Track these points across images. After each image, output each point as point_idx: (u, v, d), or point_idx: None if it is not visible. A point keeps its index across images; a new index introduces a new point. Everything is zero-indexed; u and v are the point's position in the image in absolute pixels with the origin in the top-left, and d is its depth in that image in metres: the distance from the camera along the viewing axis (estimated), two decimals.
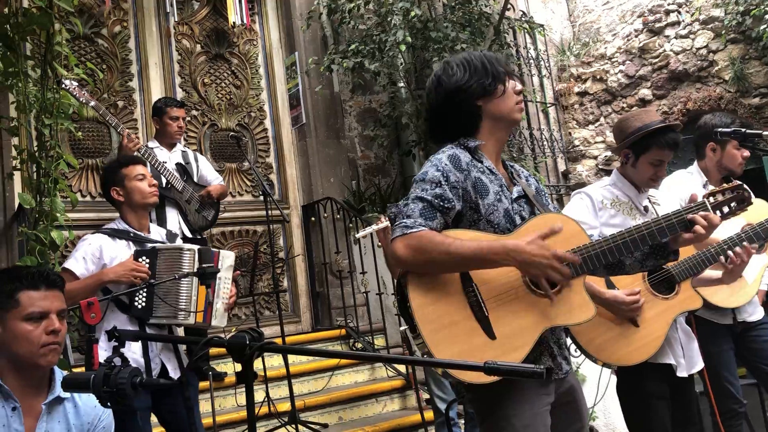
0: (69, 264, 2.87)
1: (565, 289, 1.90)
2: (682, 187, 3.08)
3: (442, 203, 1.85)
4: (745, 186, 2.14)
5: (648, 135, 2.58)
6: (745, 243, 2.63)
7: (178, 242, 3.09)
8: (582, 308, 1.92)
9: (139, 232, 3.02)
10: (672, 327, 2.56)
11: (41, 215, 3.43)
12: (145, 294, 2.81)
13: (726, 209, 2.09)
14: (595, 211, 2.64)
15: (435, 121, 2.08)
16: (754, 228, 2.73)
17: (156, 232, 3.14)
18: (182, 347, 3.00)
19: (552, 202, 2.22)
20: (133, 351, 2.77)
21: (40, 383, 2.00)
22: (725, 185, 2.12)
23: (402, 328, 1.86)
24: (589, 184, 7.49)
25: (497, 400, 1.84)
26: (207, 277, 2.71)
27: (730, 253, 2.63)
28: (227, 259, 3.03)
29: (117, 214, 4.99)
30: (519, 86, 2.02)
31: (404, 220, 1.84)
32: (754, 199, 2.50)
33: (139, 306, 2.80)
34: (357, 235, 5.12)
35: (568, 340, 2.80)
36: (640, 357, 2.47)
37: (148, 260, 2.85)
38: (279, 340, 4.53)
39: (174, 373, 2.87)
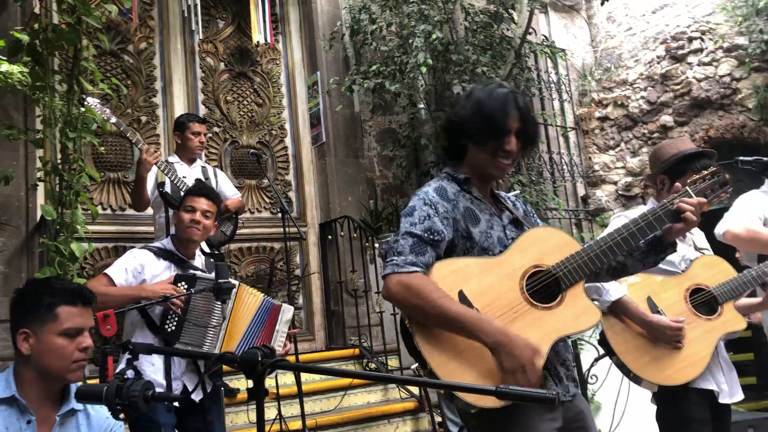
0: (110, 270, 2.93)
1: (568, 297, 1.90)
2: (759, 204, 3.04)
3: (432, 236, 1.85)
4: (723, 171, 2.19)
5: (683, 160, 2.60)
6: None
7: None
8: (587, 314, 1.90)
9: (182, 256, 3.07)
10: (714, 354, 2.55)
11: (62, 227, 3.49)
12: (177, 318, 2.85)
13: (709, 193, 2.15)
14: None
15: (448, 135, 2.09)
16: None
17: (199, 260, 3.18)
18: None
19: (571, 227, 2.24)
20: (155, 371, 2.84)
21: (56, 395, 2.02)
22: (704, 171, 2.16)
23: (413, 367, 1.85)
24: (608, 210, 7.48)
25: (503, 428, 1.82)
26: (222, 292, 2.74)
27: None
28: (287, 313, 3.10)
29: (137, 228, 5.13)
30: (511, 145, 1.95)
31: (395, 258, 1.84)
32: (708, 256, 2.54)
33: (169, 330, 2.85)
34: (375, 245, 5.12)
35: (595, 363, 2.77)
36: (685, 377, 2.45)
37: (186, 286, 2.89)
38: (292, 358, 4.52)
39: (195, 395, 2.86)
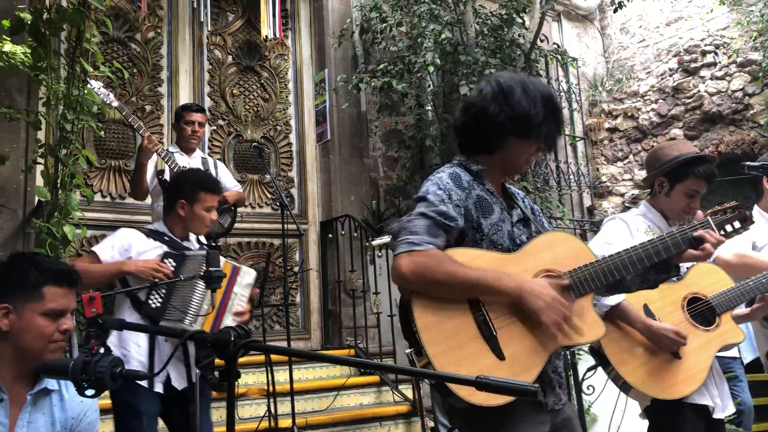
0: (96, 248, 2.87)
1: (576, 307, 1.84)
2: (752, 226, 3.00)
3: (445, 221, 1.80)
4: (745, 207, 2.24)
5: (686, 163, 2.53)
6: None
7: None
8: (592, 327, 1.86)
9: (175, 237, 3.00)
10: None
11: (55, 209, 3.45)
12: (161, 295, 2.79)
13: (729, 228, 2.19)
14: (632, 236, 2.56)
15: (470, 124, 2.00)
16: None
17: (193, 243, 3.12)
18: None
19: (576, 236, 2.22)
20: (140, 352, 2.76)
21: (30, 374, 1.95)
22: (726, 204, 2.17)
23: (407, 351, 1.79)
24: None
25: (491, 428, 1.76)
26: (213, 281, 2.68)
27: None
28: (247, 276, 3.02)
29: (135, 217, 5.09)
30: (543, 148, 1.98)
31: (409, 237, 1.78)
32: (704, 264, 2.54)
33: (153, 305, 2.78)
34: (373, 243, 5.05)
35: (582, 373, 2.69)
36: (684, 391, 2.35)
37: (174, 263, 2.84)
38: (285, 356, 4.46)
39: (178, 383, 2.81)
